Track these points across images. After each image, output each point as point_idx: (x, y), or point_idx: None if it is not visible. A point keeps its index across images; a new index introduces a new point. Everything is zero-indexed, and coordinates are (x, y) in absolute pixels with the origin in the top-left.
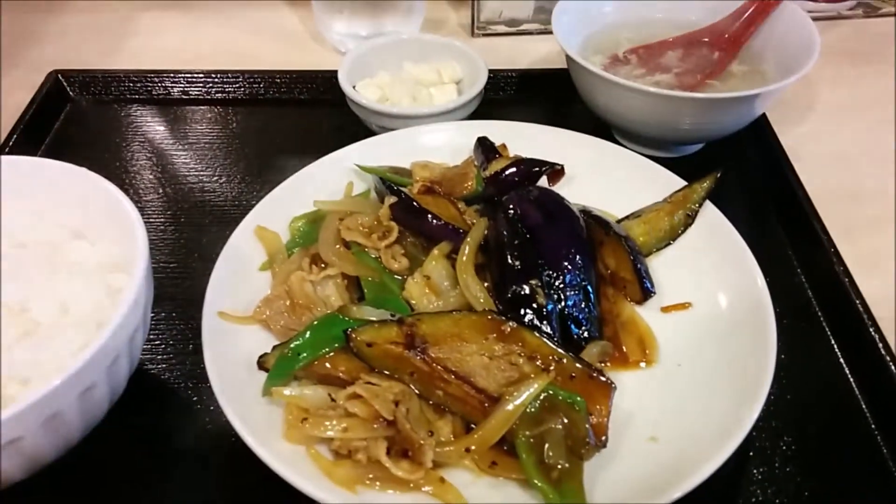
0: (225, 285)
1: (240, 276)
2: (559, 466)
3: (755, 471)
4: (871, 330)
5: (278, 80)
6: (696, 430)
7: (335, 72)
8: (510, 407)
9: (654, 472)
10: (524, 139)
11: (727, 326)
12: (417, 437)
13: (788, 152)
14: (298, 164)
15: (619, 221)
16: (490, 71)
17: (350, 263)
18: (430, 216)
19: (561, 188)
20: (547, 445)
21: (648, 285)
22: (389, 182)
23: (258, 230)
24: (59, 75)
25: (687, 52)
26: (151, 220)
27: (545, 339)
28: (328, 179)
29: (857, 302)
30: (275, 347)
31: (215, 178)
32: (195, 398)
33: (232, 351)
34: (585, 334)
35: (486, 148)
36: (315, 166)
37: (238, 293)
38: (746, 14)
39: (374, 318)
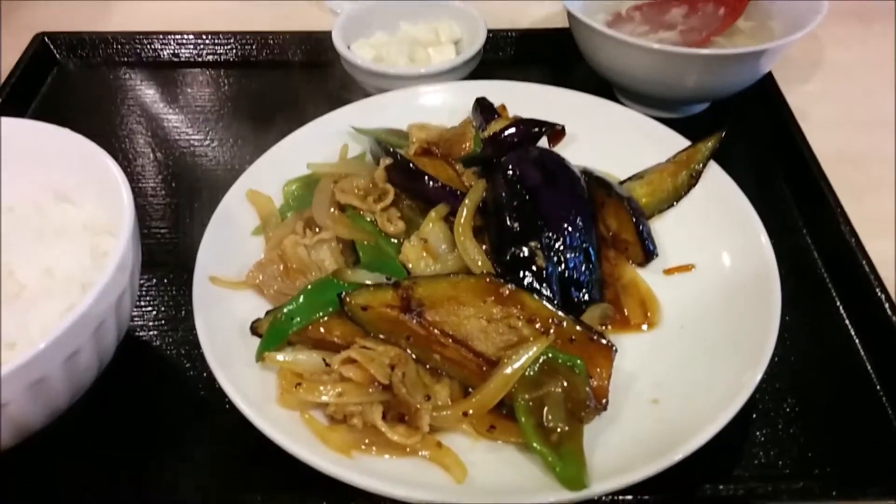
0: (217, 250)
1: (232, 241)
2: (559, 430)
3: (758, 433)
4: (877, 291)
5: (271, 42)
6: (698, 393)
7: (330, 32)
8: (508, 370)
9: (656, 434)
10: (524, 100)
11: (731, 288)
12: (414, 401)
13: (794, 112)
14: (292, 127)
15: (621, 183)
16: (489, 31)
17: (345, 227)
18: (427, 178)
19: (562, 149)
20: (546, 409)
21: (650, 247)
22: (385, 144)
23: (250, 194)
24: (46, 37)
25: (692, 8)
26: (141, 185)
27: (544, 302)
28: (322, 142)
29: (864, 262)
30: (268, 312)
31: (207, 141)
32: (187, 364)
33: (224, 316)
34: (586, 297)
35: (484, 108)
36: (309, 129)
37: (230, 258)
38: None
39: (369, 282)
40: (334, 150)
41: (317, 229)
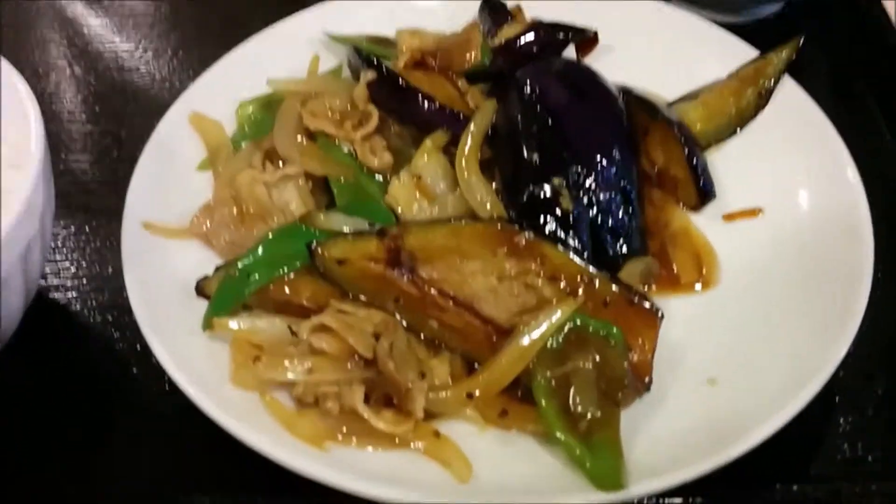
0: (152, 190)
1: (171, 178)
2: (589, 416)
3: (841, 420)
4: None
5: None
6: (766, 370)
7: None
8: (525, 341)
9: (711, 422)
10: None
11: (809, 237)
12: (404, 379)
13: (892, 15)
14: (247, 33)
15: (669, 104)
16: None
17: (316, 160)
18: (420, 97)
19: (594, 61)
20: (573, 389)
21: (707, 186)
22: (367, 54)
23: (195, 119)
24: None
25: None
26: (55, 106)
27: (571, 255)
28: (287, 52)
29: None
30: (218, 268)
31: (139, 53)
32: (116, 334)
33: (162, 273)
34: (624, 249)
35: (494, 9)
36: (269, 35)
37: (169, 200)
38: None
39: (347, 229)
40: (302, 63)
41: (280, 163)
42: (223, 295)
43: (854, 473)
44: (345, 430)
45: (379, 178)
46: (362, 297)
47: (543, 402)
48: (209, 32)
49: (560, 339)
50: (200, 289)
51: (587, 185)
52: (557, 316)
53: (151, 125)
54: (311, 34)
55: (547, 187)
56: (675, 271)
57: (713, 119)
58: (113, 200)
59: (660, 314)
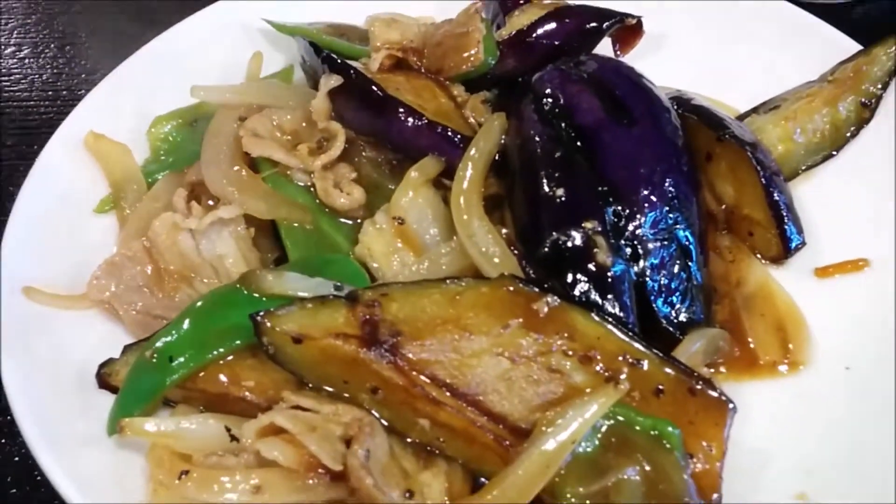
0: (34, 242)
1: (60, 225)
2: None
3: None
4: None
5: None
6: (875, 482)
7: None
8: (550, 444)
9: None
10: None
11: None
12: (386, 499)
13: None
14: (159, 25)
15: (740, 117)
16: None
17: (260, 198)
18: (402, 111)
19: (638, 59)
20: None
21: (792, 231)
22: (328, 51)
23: (91, 141)
24: None
25: None
26: None
27: (609, 327)
28: (216, 48)
29: None
30: (128, 349)
31: (17, 56)
32: None
33: (51, 357)
34: (682, 317)
35: None
36: (191, 27)
37: (58, 255)
38: None
39: (304, 294)
40: (239, 63)
41: (210, 202)
42: (136, 386)
43: None
44: None
45: (346, 221)
46: (327, 388)
47: None
48: (107, 26)
49: (596, 443)
50: (104, 378)
51: (631, 231)
52: (593, 410)
53: (32, 152)
54: (248, 22)
55: (576, 234)
56: (752, 347)
57: (801, 138)
58: None
59: (731, 406)
